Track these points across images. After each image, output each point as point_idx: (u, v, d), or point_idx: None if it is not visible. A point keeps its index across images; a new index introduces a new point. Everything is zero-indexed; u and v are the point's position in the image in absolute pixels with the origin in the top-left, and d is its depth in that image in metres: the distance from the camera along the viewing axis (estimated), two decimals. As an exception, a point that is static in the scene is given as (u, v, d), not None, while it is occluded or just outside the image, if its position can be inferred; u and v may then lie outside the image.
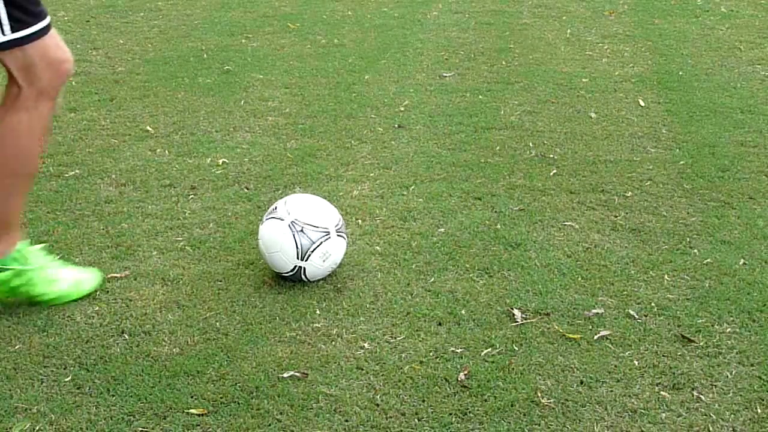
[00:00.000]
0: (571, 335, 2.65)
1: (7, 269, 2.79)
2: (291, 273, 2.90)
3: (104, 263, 3.11)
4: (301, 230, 2.88)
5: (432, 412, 2.33)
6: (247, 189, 3.70)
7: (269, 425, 2.30)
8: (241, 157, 4.04)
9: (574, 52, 5.71)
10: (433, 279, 2.98)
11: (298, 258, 2.88)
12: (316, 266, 2.90)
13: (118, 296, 2.91)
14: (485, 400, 2.37)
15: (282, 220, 2.91)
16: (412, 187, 3.70)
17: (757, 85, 4.97)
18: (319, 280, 2.94)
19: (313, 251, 2.88)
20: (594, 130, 4.31)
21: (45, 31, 2.57)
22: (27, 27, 2.52)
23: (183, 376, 2.49)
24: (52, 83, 2.61)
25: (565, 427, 2.28)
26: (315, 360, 2.55)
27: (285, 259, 2.89)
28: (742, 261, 3.05)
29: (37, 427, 2.30)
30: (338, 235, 2.93)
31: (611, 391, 2.41)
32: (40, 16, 2.55)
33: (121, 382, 2.47)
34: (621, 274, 2.99)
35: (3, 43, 2.51)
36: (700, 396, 2.38)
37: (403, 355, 2.57)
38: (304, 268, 2.89)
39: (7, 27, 2.50)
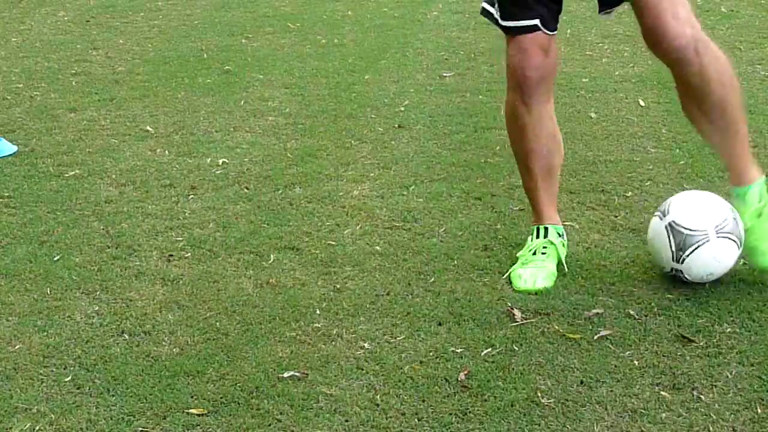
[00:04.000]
0: (571, 335, 2.65)
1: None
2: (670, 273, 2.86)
3: (104, 263, 3.11)
4: (677, 232, 2.80)
5: (432, 412, 2.33)
6: (247, 189, 3.70)
7: (269, 425, 2.30)
8: (241, 157, 4.04)
9: (574, 52, 5.71)
10: (433, 279, 2.98)
11: (673, 260, 2.81)
12: (697, 267, 2.81)
13: (118, 296, 2.91)
14: (485, 400, 2.37)
15: (660, 219, 2.86)
16: (412, 187, 3.70)
17: (757, 85, 4.97)
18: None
19: (688, 255, 2.79)
20: (594, 130, 4.31)
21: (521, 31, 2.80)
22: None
23: (183, 376, 2.49)
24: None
25: (565, 427, 2.28)
26: (315, 360, 2.55)
27: (662, 258, 2.85)
28: (742, 261, 3.05)
29: (37, 427, 2.30)
30: (719, 237, 2.78)
31: (611, 391, 2.41)
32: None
33: (121, 382, 2.47)
34: (621, 274, 2.99)
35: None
36: (700, 396, 2.38)
37: (403, 355, 2.57)
38: (681, 271, 2.82)
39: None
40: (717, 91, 2.79)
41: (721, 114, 2.83)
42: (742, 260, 3.04)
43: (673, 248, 2.80)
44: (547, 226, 3.01)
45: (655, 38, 2.78)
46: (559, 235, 3.02)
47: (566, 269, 2.96)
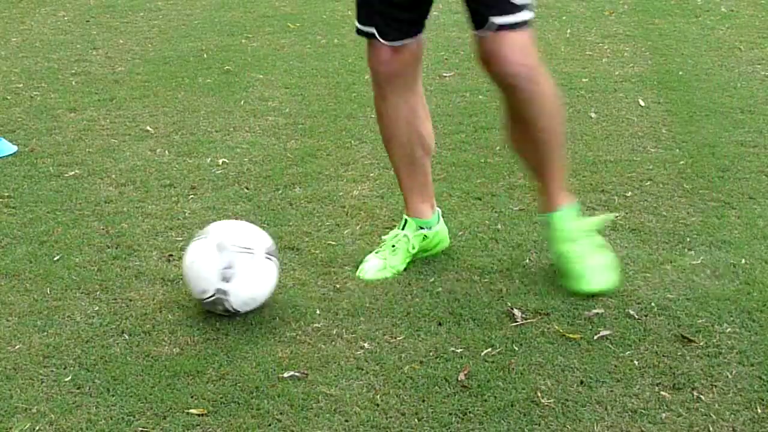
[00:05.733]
0: (571, 335, 2.65)
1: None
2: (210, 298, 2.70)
3: (104, 263, 3.11)
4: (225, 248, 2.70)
5: (432, 412, 2.33)
6: (247, 189, 3.70)
7: (269, 425, 2.30)
8: (241, 157, 4.04)
9: (574, 52, 5.71)
10: (433, 279, 2.98)
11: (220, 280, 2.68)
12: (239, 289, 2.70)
13: (118, 296, 2.91)
14: (485, 400, 2.37)
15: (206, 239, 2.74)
16: (412, 187, 3.69)
17: (757, 85, 4.97)
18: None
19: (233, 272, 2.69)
20: (594, 130, 4.31)
21: None
22: None
23: (183, 376, 2.49)
24: None
25: (565, 427, 2.28)
26: (315, 360, 2.55)
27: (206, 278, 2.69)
28: (742, 261, 3.05)
29: (37, 427, 2.30)
30: (267, 258, 2.76)
31: (611, 391, 2.41)
32: None
33: (121, 382, 2.47)
34: (621, 274, 2.99)
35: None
36: (700, 396, 2.38)
37: (403, 355, 2.57)
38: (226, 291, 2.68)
39: None
40: (541, 121, 2.82)
41: (542, 144, 2.87)
42: (742, 260, 3.05)
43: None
44: (406, 219, 3.07)
45: (489, 62, 2.75)
46: (421, 228, 3.06)
47: (410, 259, 3.04)
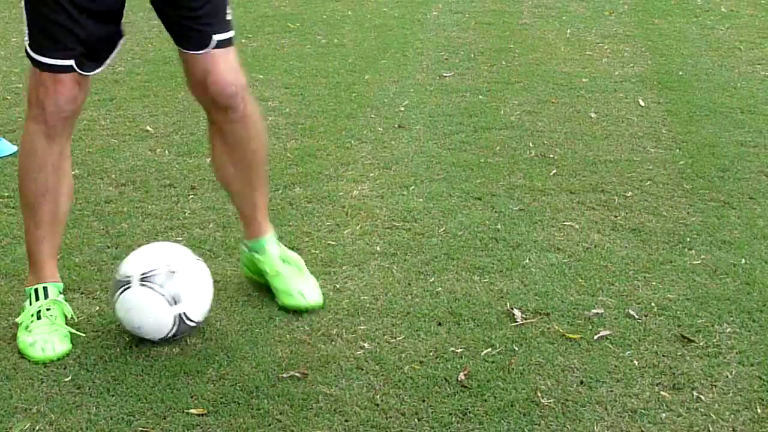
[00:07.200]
0: (571, 335, 2.65)
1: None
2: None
3: (104, 263, 3.11)
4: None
5: (432, 412, 2.33)
6: (247, 189, 3.70)
7: (269, 425, 2.30)
8: (241, 157, 4.03)
9: (574, 52, 5.71)
10: (433, 279, 2.98)
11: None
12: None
13: (118, 296, 2.90)
14: (485, 400, 2.37)
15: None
16: (412, 187, 3.70)
17: (757, 85, 4.97)
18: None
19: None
20: (594, 130, 4.31)
21: None
22: None
23: (183, 376, 2.49)
24: None
25: (565, 427, 2.28)
26: (315, 360, 2.55)
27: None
28: (742, 261, 3.05)
29: (37, 427, 2.30)
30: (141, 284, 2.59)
31: (611, 391, 2.41)
32: None
33: (121, 382, 2.47)
34: (621, 274, 2.99)
35: None
36: (700, 396, 2.38)
37: (403, 355, 2.57)
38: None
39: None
40: (253, 143, 2.79)
41: (252, 166, 2.82)
42: (742, 260, 3.05)
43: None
44: (46, 285, 2.73)
45: (205, 83, 2.65)
46: (61, 293, 2.76)
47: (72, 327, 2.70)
